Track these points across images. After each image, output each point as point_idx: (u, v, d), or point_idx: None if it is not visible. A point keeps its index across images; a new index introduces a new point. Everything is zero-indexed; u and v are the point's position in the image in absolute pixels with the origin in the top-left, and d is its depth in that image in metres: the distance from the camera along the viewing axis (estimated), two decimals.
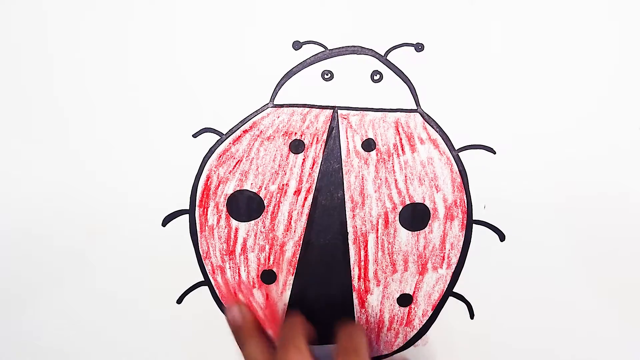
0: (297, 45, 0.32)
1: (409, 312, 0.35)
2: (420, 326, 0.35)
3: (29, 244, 0.33)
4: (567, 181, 0.34)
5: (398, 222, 0.34)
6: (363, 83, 0.33)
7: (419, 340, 0.35)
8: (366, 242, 0.34)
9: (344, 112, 0.33)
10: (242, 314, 0.33)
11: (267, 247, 0.34)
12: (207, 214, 0.33)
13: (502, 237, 0.34)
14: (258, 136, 0.33)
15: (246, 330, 0.33)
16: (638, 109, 0.33)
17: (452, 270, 0.34)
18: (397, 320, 0.35)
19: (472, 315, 0.35)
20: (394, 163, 0.33)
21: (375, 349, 0.35)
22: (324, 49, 0.33)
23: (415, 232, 0.34)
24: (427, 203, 0.34)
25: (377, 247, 0.34)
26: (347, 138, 0.33)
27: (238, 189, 0.33)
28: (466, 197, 0.34)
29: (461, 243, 0.34)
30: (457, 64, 0.33)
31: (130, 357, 0.34)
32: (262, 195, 0.33)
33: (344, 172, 0.33)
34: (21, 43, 0.32)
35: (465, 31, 0.33)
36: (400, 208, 0.34)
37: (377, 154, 0.33)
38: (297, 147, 0.33)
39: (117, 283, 0.34)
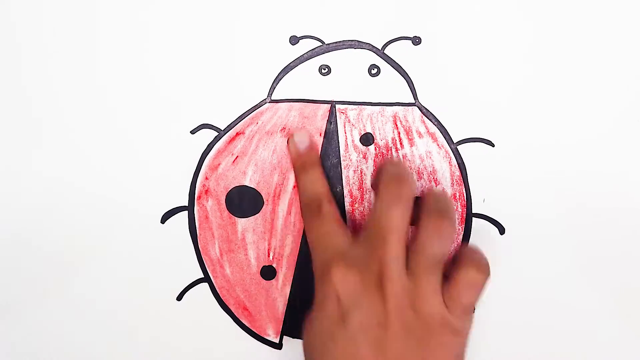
0: (294, 40, 0.32)
1: None
2: None
3: (27, 242, 0.33)
4: (566, 174, 0.34)
5: None
6: (361, 77, 0.33)
7: None
8: None
9: (342, 106, 0.33)
10: (309, 139, 0.32)
11: (267, 242, 0.34)
12: (206, 210, 0.33)
13: (501, 230, 0.34)
14: (256, 132, 0.33)
15: (309, 156, 0.32)
16: (637, 103, 0.33)
17: None
18: None
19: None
20: (393, 157, 0.33)
21: None
22: (321, 44, 0.33)
23: (415, 226, 0.34)
24: None
25: None
26: (345, 132, 0.33)
27: (237, 184, 0.33)
28: (465, 190, 0.34)
29: (460, 236, 0.34)
30: (455, 57, 0.33)
31: (130, 355, 0.34)
32: (261, 190, 0.33)
33: (342, 167, 0.33)
34: (18, 41, 0.32)
35: (463, 24, 0.33)
36: None
37: (375, 148, 0.33)
38: None
39: (116, 280, 0.34)
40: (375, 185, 0.29)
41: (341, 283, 0.27)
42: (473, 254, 0.29)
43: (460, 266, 0.28)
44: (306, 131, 0.32)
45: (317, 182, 0.31)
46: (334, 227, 0.29)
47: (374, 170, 0.33)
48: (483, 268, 0.28)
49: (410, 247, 0.28)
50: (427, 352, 0.27)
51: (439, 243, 0.27)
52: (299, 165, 0.32)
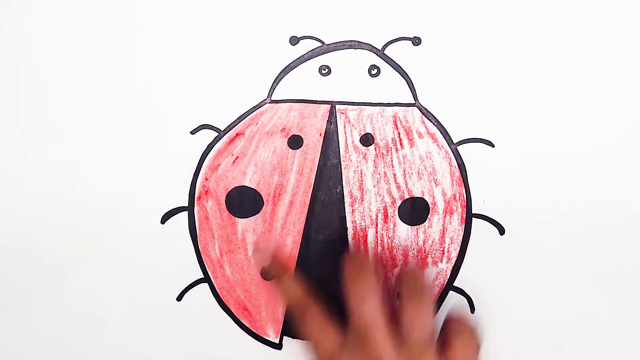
0: (294, 41, 0.32)
1: None
2: None
3: (26, 242, 0.33)
4: (566, 174, 0.34)
5: (397, 216, 0.34)
6: (360, 78, 0.33)
7: None
8: (365, 237, 0.34)
9: (342, 107, 0.33)
10: (269, 252, 0.33)
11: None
12: (206, 211, 0.33)
13: (501, 231, 0.34)
14: (256, 132, 0.33)
15: (275, 269, 0.33)
16: (637, 102, 0.33)
17: (452, 265, 0.34)
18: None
19: (472, 309, 0.35)
20: (393, 157, 0.33)
21: None
22: (321, 44, 0.33)
23: (415, 226, 0.34)
24: (426, 197, 0.34)
25: (377, 242, 0.34)
26: (345, 133, 0.33)
27: (237, 185, 0.33)
28: (465, 191, 0.34)
29: (461, 237, 0.34)
30: (455, 57, 0.33)
31: (130, 355, 0.34)
32: (261, 191, 0.33)
33: (342, 167, 0.33)
34: (16, 43, 0.32)
35: (463, 24, 0.33)
36: (399, 202, 0.33)
37: (375, 149, 0.33)
38: (295, 142, 0.33)
39: (116, 280, 0.34)
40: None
41: None
42: (459, 325, 0.30)
43: (452, 341, 0.29)
44: (263, 242, 0.33)
45: (291, 291, 0.32)
46: (321, 332, 0.30)
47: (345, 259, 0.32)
48: (473, 341, 0.30)
49: (400, 330, 0.29)
50: None
51: (421, 327, 0.29)
52: (270, 277, 0.33)
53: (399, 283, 0.31)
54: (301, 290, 0.31)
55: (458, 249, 0.34)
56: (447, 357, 0.29)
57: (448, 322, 0.31)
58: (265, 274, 0.34)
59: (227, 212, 0.33)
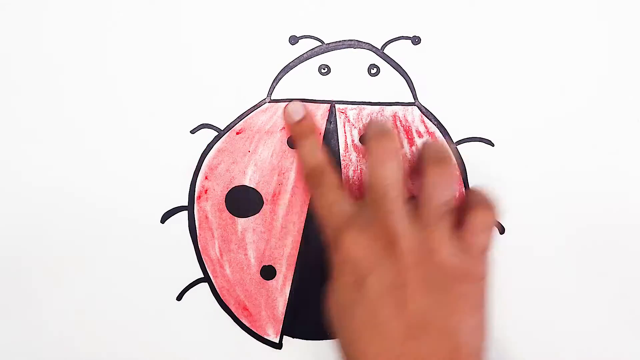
0: (293, 40, 0.33)
1: None
2: None
3: (27, 241, 0.33)
4: (566, 173, 0.34)
5: None
6: (360, 77, 0.33)
7: None
8: None
9: (342, 106, 0.33)
10: (304, 108, 0.32)
11: (267, 242, 0.34)
12: (205, 210, 0.33)
13: (501, 230, 0.34)
14: (256, 132, 0.33)
15: (305, 126, 0.31)
16: (637, 102, 0.33)
17: None
18: None
19: None
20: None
21: None
22: (320, 44, 0.33)
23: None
24: None
25: None
26: (344, 132, 0.33)
27: (237, 184, 0.33)
28: (465, 190, 0.34)
29: None
30: (455, 56, 0.33)
31: (130, 355, 0.34)
32: (260, 190, 0.33)
33: (342, 167, 0.33)
34: (16, 40, 0.32)
35: (462, 23, 0.33)
36: None
37: None
38: None
39: (116, 280, 0.34)
40: (363, 144, 0.29)
41: (354, 248, 0.26)
42: (478, 195, 0.28)
43: (469, 210, 0.27)
44: (300, 102, 0.32)
45: (315, 152, 0.30)
46: (338, 194, 0.28)
47: (363, 126, 0.32)
48: (490, 207, 0.27)
49: (418, 200, 0.27)
50: (449, 304, 0.26)
51: (444, 190, 0.27)
52: (296, 137, 0.32)
53: (422, 152, 0.28)
54: (324, 155, 0.30)
55: None
56: (463, 229, 0.27)
57: (466, 195, 0.28)
58: (292, 135, 0.32)
59: (226, 211, 0.33)
